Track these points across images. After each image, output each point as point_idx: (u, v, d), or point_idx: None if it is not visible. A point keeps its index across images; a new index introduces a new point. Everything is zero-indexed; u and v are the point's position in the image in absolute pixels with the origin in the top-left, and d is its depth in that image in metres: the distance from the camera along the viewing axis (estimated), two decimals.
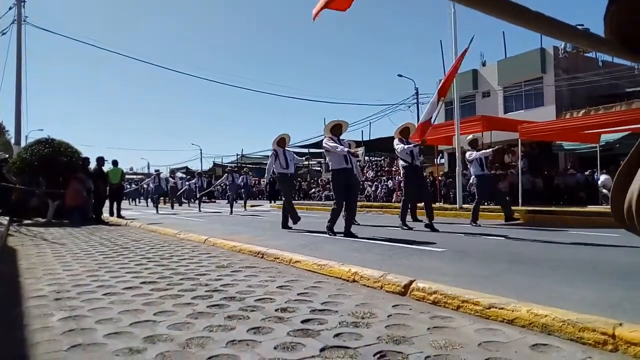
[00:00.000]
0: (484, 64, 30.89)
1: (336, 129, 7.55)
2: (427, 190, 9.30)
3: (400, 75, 31.62)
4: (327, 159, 7.72)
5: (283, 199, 9.42)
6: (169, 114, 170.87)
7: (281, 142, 8.99)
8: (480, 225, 8.75)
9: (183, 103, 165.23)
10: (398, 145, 8.37)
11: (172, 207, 20.38)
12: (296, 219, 8.75)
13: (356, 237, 6.95)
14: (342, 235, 7.11)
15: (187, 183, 22.49)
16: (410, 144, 8.40)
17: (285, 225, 8.87)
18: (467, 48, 9.75)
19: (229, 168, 17.53)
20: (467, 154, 9.25)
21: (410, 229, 8.13)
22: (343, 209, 7.35)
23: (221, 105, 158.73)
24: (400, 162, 8.63)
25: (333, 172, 7.41)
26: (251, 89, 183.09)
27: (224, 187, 24.02)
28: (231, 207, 15.91)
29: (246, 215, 14.03)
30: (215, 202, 28.72)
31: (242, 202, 19.30)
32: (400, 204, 8.93)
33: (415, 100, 30.04)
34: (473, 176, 9.52)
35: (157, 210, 17.18)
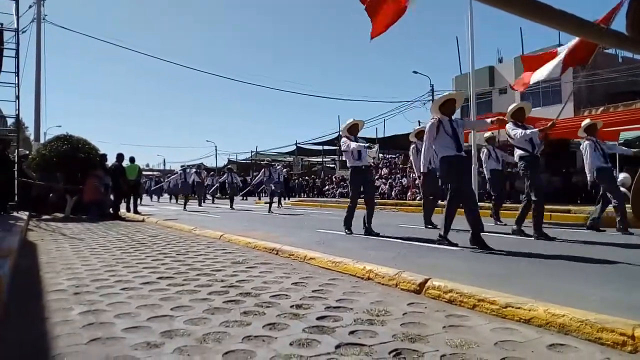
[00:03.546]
0: (500, 61, 30.57)
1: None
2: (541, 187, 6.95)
3: (415, 72, 31.47)
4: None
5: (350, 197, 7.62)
6: (184, 111, 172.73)
7: (353, 128, 7.47)
8: (633, 234, 6.82)
9: (198, 100, 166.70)
10: (515, 131, 6.43)
11: (200, 204, 19.39)
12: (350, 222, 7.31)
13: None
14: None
15: (220, 180, 21.45)
16: (527, 128, 6.51)
17: (349, 225, 7.28)
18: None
19: (265, 162, 16.71)
20: (585, 143, 7.34)
21: (553, 239, 6.22)
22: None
23: (236, 102, 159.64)
24: (517, 152, 6.58)
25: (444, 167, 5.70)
26: (265, 86, 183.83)
27: (248, 184, 23.38)
28: (270, 204, 14.53)
29: (274, 214, 13.68)
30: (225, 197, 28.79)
31: (279, 199, 16.86)
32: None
33: (430, 97, 29.79)
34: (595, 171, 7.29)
35: (185, 207, 16.51)
